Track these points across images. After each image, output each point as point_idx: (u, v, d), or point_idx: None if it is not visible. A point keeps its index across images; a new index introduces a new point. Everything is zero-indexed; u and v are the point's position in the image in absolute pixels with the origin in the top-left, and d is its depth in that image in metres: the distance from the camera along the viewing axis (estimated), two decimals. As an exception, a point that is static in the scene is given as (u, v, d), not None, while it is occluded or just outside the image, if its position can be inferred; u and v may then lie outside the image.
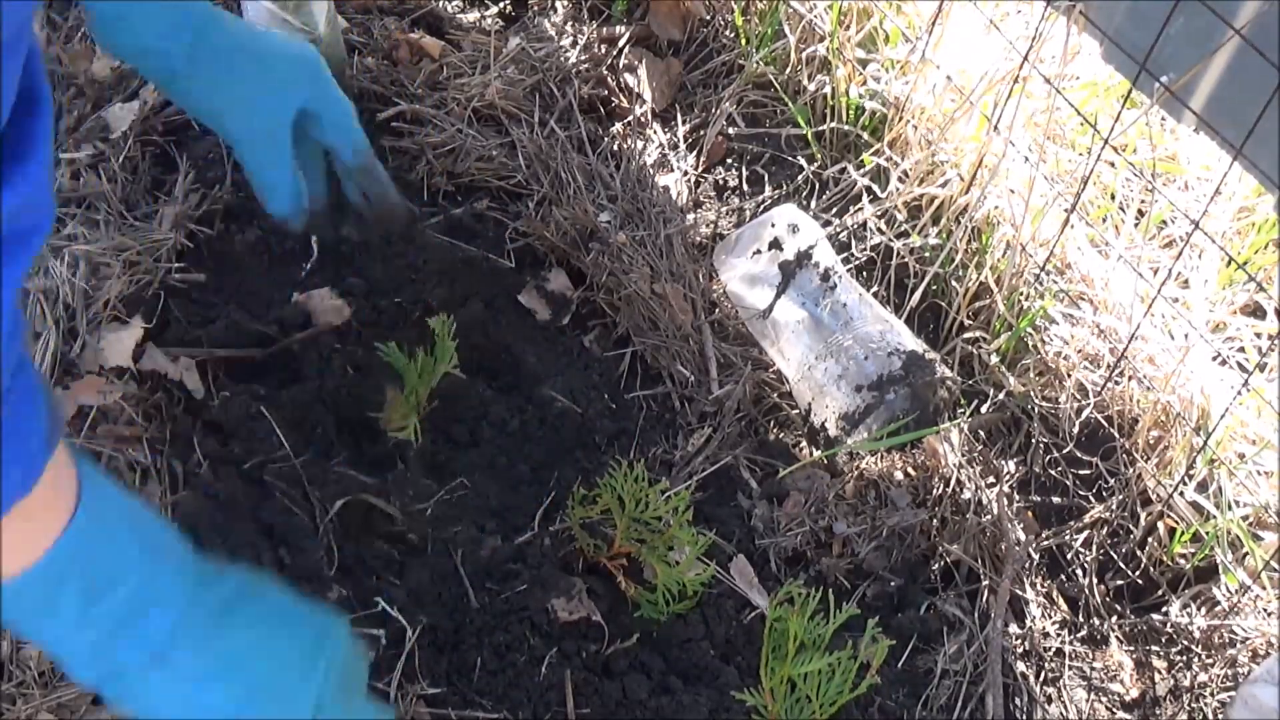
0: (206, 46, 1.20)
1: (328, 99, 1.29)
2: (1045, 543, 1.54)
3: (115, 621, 0.82)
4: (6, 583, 0.78)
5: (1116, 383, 1.60)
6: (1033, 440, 1.60)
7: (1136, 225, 1.76)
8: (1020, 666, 1.43)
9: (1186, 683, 1.45)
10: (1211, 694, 1.44)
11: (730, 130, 1.85)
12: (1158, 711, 1.44)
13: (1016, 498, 1.56)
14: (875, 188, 1.75)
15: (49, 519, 0.79)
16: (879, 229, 1.73)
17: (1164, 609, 1.51)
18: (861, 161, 1.78)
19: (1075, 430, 1.60)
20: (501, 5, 1.96)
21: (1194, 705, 1.44)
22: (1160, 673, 1.46)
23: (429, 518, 1.43)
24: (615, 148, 1.79)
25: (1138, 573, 1.54)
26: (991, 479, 1.55)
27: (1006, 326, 1.64)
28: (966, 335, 1.66)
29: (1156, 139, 1.81)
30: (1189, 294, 1.70)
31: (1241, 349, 1.67)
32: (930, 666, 1.40)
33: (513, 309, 1.65)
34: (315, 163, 1.34)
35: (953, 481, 1.51)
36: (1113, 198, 1.78)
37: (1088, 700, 1.43)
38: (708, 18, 1.94)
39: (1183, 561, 1.54)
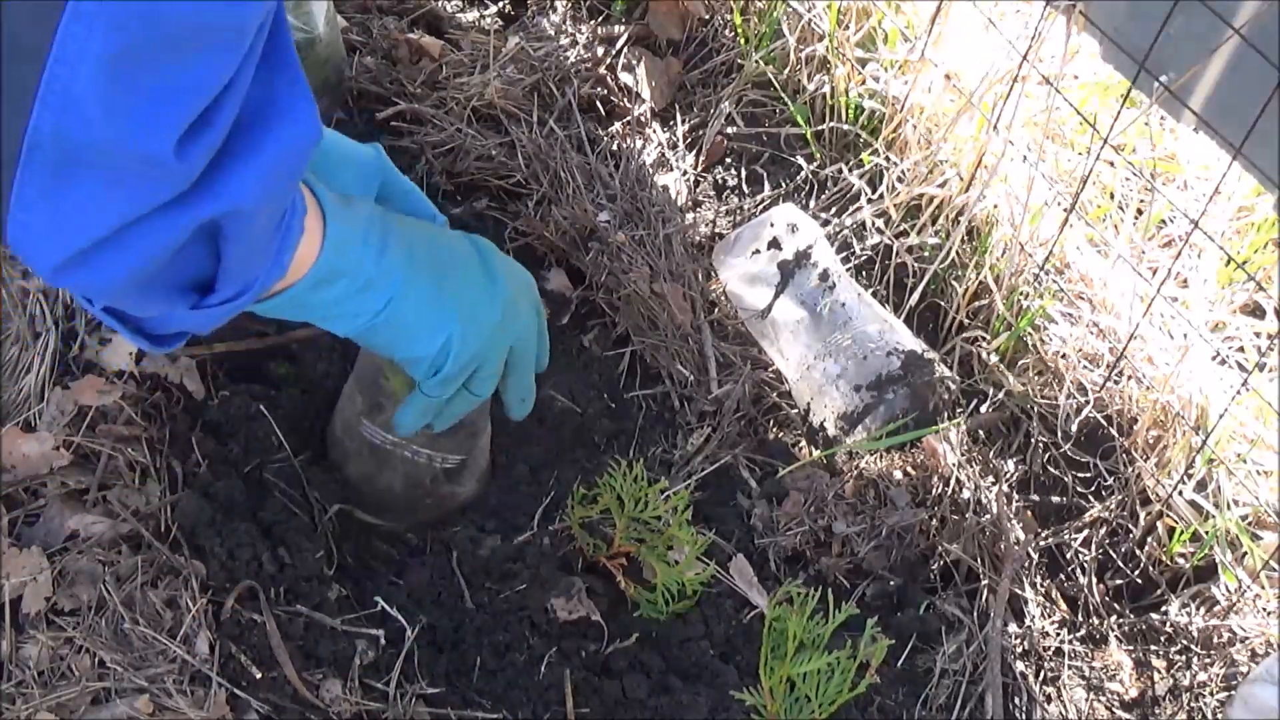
0: None
1: (398, 178, 1.38)
2: (1044, 542, 1.54)
3: (358, 289, 1.10)
4: (294, 289, 1.04)
5: (1115, 382, 1.60)
6: (1032, 440, 1.60)
7: (1135, 225, 1.76)
8: (1019, 666, 1.43)
9: (1186, 682, 1.45)
10: (1211, 693, 1.44)
11: (729, 130, 1.85)
12: (1157, 711, 1.44)
13: (1016, 497, 1.56)
14: (874, 187, 1.75)
15: (310, 242, 1.03)
16: (878, 228, 1.73)
17: (1163, 608, 1.51)
18: (861, 161, 1.78)
19: (1074, 430, 1.60)
20: (501, 5, 1.96)
21: (1193, 705, 1.44)
22: (1159, 672, 1.46)
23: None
24: (614, 147, 1.79)
25: (1137, 572, 1.54)
26: (991, 478, 1.55)
27: (1006, 326, 1.64)
28: (966, 335, 1.66)
29: (1156, 138, 1.81)
30: (1188, 293, 1.70)
31: (1241, 349, 1.67)
32: (929, 666, 1.40)
33: (512, 308, 1.65)
34: None
35: (952, 481, 1.51)
36: (1112, 197, 1.78)
37: (1087, 700, 1.44)
38: (707, 17, 1.94)
39: (1182, 561, 1.54)
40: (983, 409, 1.62)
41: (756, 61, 1.86)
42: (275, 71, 0.83)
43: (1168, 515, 1.54)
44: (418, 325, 1.16)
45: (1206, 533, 1.51)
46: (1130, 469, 1.56)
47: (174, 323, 0.95)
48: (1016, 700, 1.41)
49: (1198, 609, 1.50)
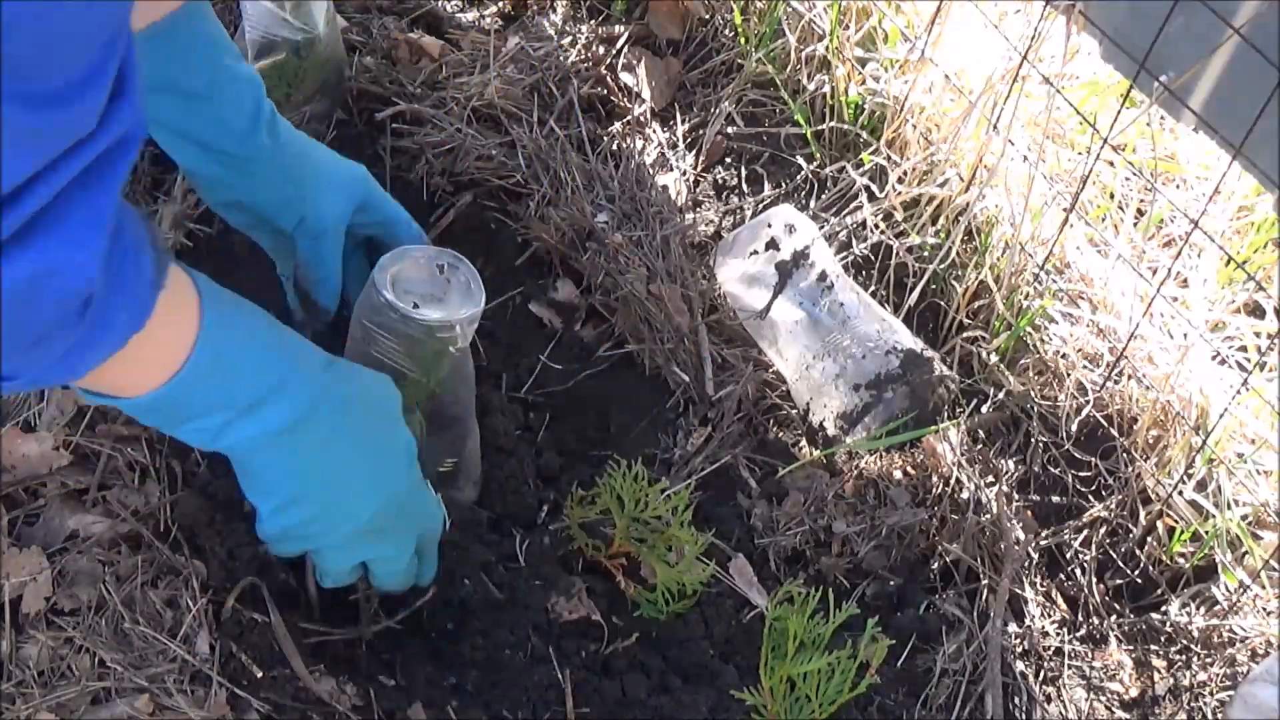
0: (281, 142, 1.29)
1: (381, 198, 1.38)
2: (1044, 542, 1.54)
3: (237, 414, 1.01)
4: (140, 399, 0.96)
5: (1115, 382, 1.60)
6: (1032, 439, 1.60)
7: (1135, 224, 1.76)
8: (1019, 666, 1.43)
9: (1186, 682, 1.45)
10: (1211, 693, 1.44)
11: (729, 129, 1.85)
12: (1157, 711, 1.44)
13: (1016, 497, 1.56)
14: (874, 187, 1.75)
15: (174, 344, 0.95)
16: (878, 228, 1.73)
17: (1163, 608, 1.51)
18: (861, 160, 1.78)
19: (1074, 429, 1.60)
20: (500, 5, 1.96)
21: (1193, 704, 1.44)
22: (1160, 672, 1.46)
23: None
24: (614, 147, 1.79)
25: (1137, 572, 1.54)
26: (991, 478, 1.55)
27: (1006, 326, 1.64)
28: (965, 334, 1.66)
29: (1156, 138, 1.81)
30: (1188, 293, 1.70)
31: (1241, 348, 1.67)
32: (929, 666, 1.40)
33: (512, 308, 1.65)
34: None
35: (952, 481, 1.51)
36: (1112, 197, 1.78)
37: (1087, 699, 1.44)
38: (707, 17, 1.94)
39: (1182, 561, 1.54)
40: (983, 409, 1.62)
41: (756, 61, 1.86)
42: (90, 193, 0.77)
43: (1168, 515, 1.54)
44: (262, 475, 1.10)
45: (1206, 533, 1.51)
46: (1130, 469, 1.56)
47: None
48: (1016, 700, 1.41)
49: (1198, 609, 1.50)
